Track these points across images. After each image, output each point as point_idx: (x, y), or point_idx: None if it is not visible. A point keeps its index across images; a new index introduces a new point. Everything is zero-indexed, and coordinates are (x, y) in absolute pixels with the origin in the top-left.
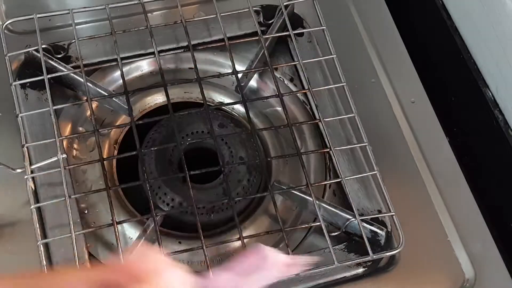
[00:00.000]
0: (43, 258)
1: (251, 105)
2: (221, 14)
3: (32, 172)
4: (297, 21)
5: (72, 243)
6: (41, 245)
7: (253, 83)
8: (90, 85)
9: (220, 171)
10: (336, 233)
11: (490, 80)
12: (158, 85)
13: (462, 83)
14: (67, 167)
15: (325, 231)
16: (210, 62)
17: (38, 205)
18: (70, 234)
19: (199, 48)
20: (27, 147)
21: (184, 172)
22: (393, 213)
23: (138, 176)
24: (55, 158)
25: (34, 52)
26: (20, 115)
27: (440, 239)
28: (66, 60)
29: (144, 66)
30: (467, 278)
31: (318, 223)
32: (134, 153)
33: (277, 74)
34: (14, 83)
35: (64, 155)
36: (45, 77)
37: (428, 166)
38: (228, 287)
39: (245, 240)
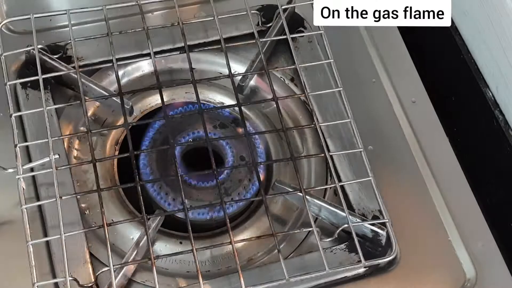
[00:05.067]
0: (32, 259)
1: (252, 105)
2: (219, 17)
3: (24, 172)
4: (297, 21)
5: (61, 244)
6: (30, 246)
7: (254, 82)
8: (91, 85)
9: (220, 172)
10: (336, 235)
11: (490, 80)
12: (154, 86)
13: (462, 83)
14: (59, 168)
15: (317, 237)
16: (210, 62)
17: (28, 205)
18: (62, 235)
19: (196, 50)
20: (25, 147)
21: (182, 173)
22: (387, 220)
23: (139, 176)
24: (47, 159)
25: (35, 52)
26: (14, 115)
27: (441, 238)
28: (67, 60)
29: (145, 66)
30: (468, 278)
31: (311, 229)
32: (126, 155)
33: (278, 74)
34: (8, 83)
35: (56, 156)
36: (40, 77)
37: (428, 165)
38: None
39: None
